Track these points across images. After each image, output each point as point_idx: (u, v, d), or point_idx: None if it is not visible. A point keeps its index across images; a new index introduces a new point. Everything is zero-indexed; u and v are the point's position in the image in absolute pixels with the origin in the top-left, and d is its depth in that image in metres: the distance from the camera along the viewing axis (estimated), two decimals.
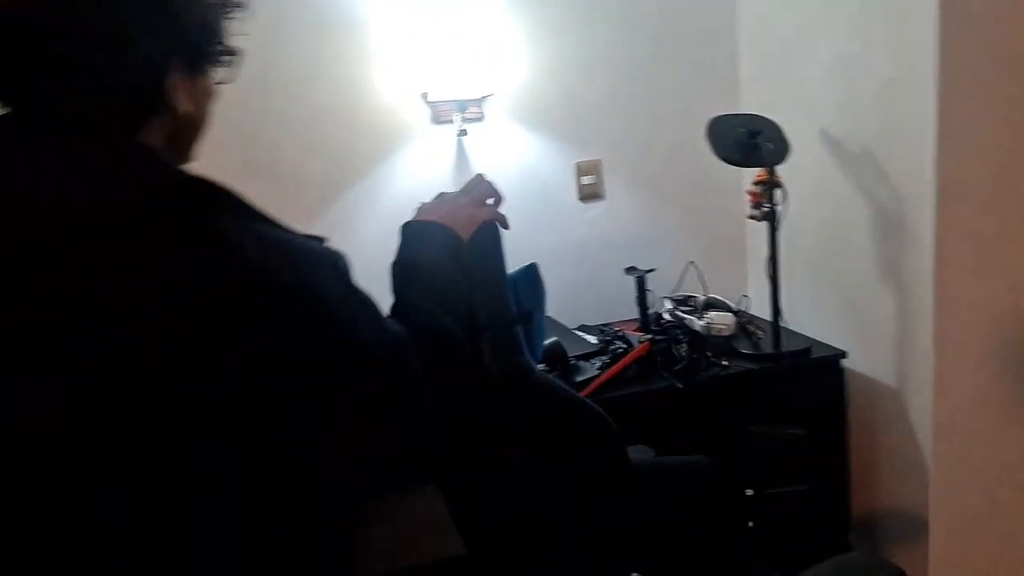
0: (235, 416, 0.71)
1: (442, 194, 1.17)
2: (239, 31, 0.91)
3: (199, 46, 0.85)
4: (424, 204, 1.15)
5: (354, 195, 2.23)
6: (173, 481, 0.70)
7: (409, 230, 1.06)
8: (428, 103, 2.22)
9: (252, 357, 0.72)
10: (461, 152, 2.27)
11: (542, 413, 1.25)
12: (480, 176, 1.17)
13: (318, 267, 0.80)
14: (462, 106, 2.17)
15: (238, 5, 0.88)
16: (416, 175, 2.25)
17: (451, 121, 2.21)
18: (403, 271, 1.01)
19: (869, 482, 2.12)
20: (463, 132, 2.20)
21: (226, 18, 0.87)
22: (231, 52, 0.89)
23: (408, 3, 2.13)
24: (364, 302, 0.85)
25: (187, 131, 0.88)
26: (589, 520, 1.28)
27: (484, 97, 2.23)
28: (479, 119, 2.25)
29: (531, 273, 1.31)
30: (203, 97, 0.88)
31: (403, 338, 0.86)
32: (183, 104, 0.83)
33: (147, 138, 0.81)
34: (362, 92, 2.18)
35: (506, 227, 1.15)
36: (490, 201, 1.16)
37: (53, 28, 0.74)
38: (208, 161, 0.89)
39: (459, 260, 1.04)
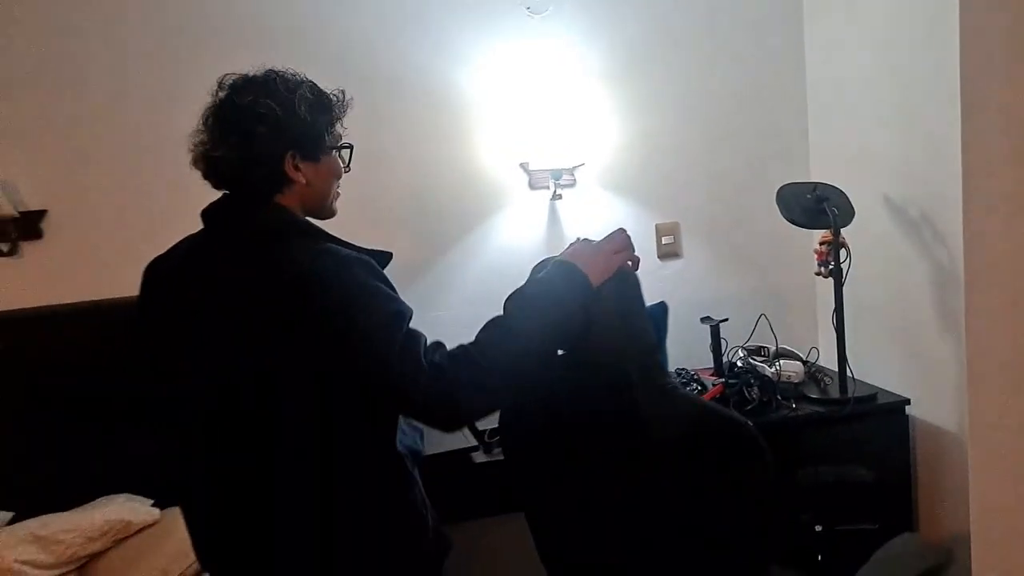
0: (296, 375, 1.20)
1: (585, 239, 1.44)
2: (349, 121, 1.40)
3: (309, 141, 1.30)
4: (571, 245, 1.43)
5: (462, 248, 2.54)
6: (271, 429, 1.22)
7: (553, 268, 1.34)
8: (527, 171, 2.53)
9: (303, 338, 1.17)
10: (554, 214, 2.57)
11: (689, 424, 1.42)
12: (622, 230, 1.44)
13: (348, 264, 1.20)
14: (557, 174, 2.48)
15: (340, 111, 1.37)
16: (515, 233, 2.56)
17: (547, 187, 2.51)
18: (523, 298, 1.31)
19: (934, 523, 2.24)
20: (557, 196, 2.51)
21: (330, 124, 1.35)
22: (341, 146, 1.38)
23: (509, 84, 2.48)
24: (375, 291, 1.20)
25: (312, 198, 1.34)
26: (740, 530, 1.43)
27: (576, 166, 2.53)
28: (571, 185, 2.55)
29: (660, 309, 1.59)
30: (320, 174, 1.33)
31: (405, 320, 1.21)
32: (299, 179, 1.29)
33: (283, 200, 1.30)
34: (469, 160, 2.52)
35: (636, 269, 1.44)
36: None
37: (221, 155, 1.28)
38: (337, 220, 1.39)
39: (586, 298, 1.31)
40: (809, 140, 2.70)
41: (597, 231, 2.55)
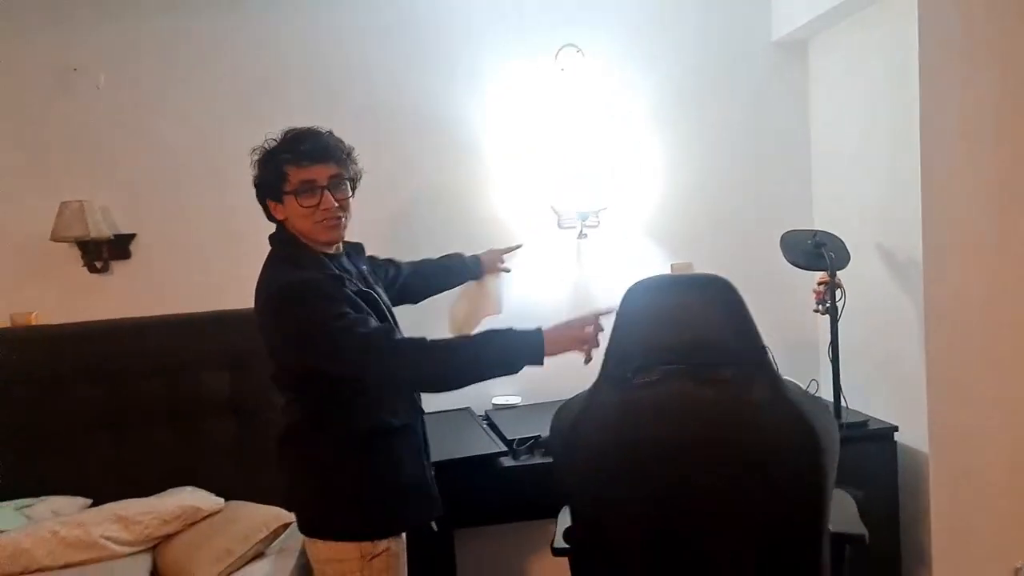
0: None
1: (576, 319, 1.67)
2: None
3: (267, 188, 1.70)
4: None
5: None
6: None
7: (528, 334, 1.61)
8: (556, 212, 2.84)
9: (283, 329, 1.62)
10: (580, 251, 2.86)
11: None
12: (596, 316, 1.65)
13: (314, 284, 1.60)
14: (583, 216, 2.78)
15: (287, 154, 1.67)
16: (544, 265, 2.87)
17: (574, 227, 2.81)
18: (492, 340, 1.61)
19: (918, 539, 2.45)
20: (583, 235, 2.80)
21: (279, 169, 1.69)
22: (294, 191, 1.67)
23: (544, 132, 2.80)
24: (331, 296, 1.59)
25: (298, 228, 1.70)
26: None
27: (600, 209, 2.83)
28: (596, 226, 2.85)
29: None
30: (290, 211, 1.69)
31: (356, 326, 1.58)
32: (279, 216, 1.72)
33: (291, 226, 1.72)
34: (503, 204, 2.83)
35: (587, 360, 1.67)
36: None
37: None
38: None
39: (533, 363, 1.60)
40: (812, 192, 2.99)
41: (617, 268, 2.88)
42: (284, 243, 1.73)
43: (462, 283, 2.34)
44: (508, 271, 2.40)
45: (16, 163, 2.63)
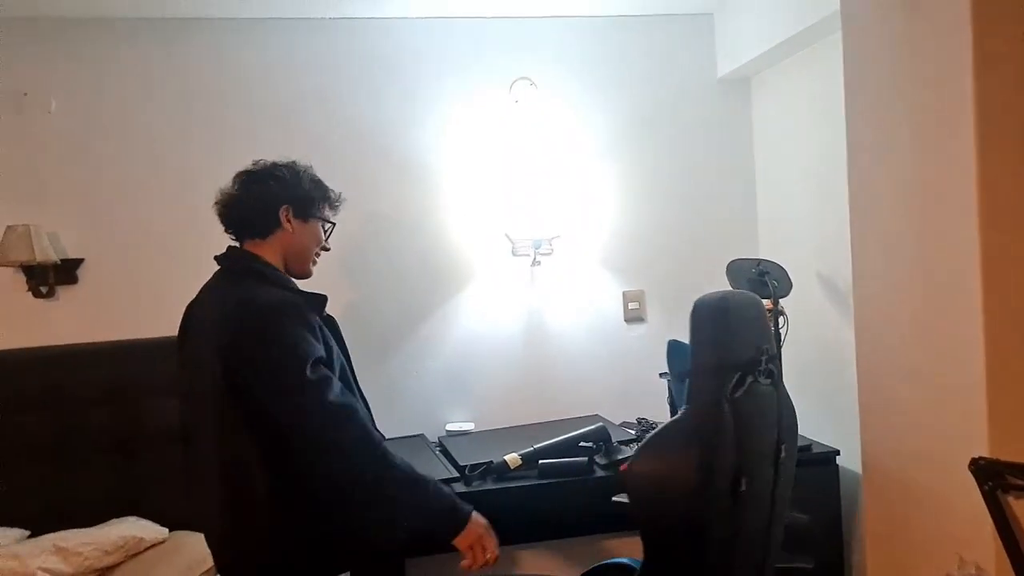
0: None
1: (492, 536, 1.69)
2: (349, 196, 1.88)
3: (303, 203, 1.74)
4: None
5: (454, 303, 2.89)
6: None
7: (466, 512, 1.65)
8: (510, 239, 2.88)
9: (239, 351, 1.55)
10: (534, 278, 2.91)
11: None
12: (495, 544, 1.68)
13: (280, 308, 1.59)
14: (537, 243, 2.83)
15: (334, 200, 1.83)
16: (498, 291, 2.91)
17: (528, 254, 2.86)
18: (430, 493, 1.61)
19: (861, 559, 2.51)
20: (537, 263, 2.85)
21: (323, 200, 1.80)
22: (325, 219, 1.81)
23: (497, 161, 2.85)
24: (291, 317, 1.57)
25: (293, 249, 1.74)
26: None
27: (554, 237, 2.88)
28: (549, 253, 2.90)
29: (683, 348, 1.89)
30: (306, 232, 1.75)
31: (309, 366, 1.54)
32: (288, 228, 1.71)
33: (263, 247, 1.70)
34: (459, 231, 2.87)
35: (467, 566, 1.66)
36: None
37: (239, 194, 1.74)
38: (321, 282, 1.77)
39: (444, 535, 1.63)
40: (757, 220, 3.08)
41: (571, 295, 2.92)
42: (251, 259, 1.69)
43: None
44: None
45: None
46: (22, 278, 2.59)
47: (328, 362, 1.60)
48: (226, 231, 1.77)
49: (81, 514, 2.38)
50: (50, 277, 2.59)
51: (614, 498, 2.03)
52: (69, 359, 2.54)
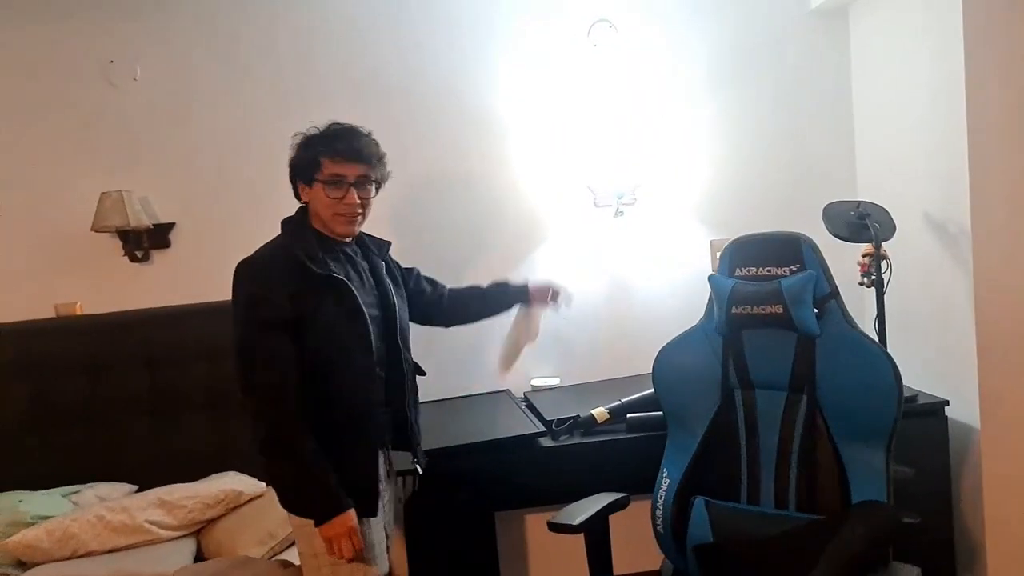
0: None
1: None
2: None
3: (300, 171, 1.80)
4: None
5: (534, 257, 2.85)
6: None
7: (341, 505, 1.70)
8: (591, 191, 2.80)
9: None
10: (617, 229, 2.82)
11: None
12: (349, 551, 1.70)
13: (250, 264, 1.76)
14: (619, 194, 2.73)
15: (322, 146, 1.76)
16: (580, 244, 2.84)
17: (610, 205, 2.77)
18: (320, 473, 1.69)
19: (970, 516, 2.37)
20: (620, 213, 2.76)
21: (315, 158, 1.77)
22: (325, 180, 1.76)
23: (578, 111, 2.76)
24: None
25: (316, 214, 1.80)
26: None
27: (637, 186, 2.78)
28: (632, 203, 2.80)
29: None
30: (315, 196, 1.78)
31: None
32: (304, 198, 1.82)
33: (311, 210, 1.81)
34: (538, 183, 2.81)
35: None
36: None
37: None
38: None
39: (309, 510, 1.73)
40: (856, 162, 2.89)
41: (656, 245, 2.83)
42: (290, 223, 1.83)
43: (503, 310, 2.19)
44: (556, 310, 2.25)
45: (57, 155, 2.67)
46: (118, 243, 2.67)
47: (304, 318, 1.68)
48: None
49: (184, 469, 2.47)
50: (144, 241, 2.67)
51: None
52: (165, 320, 2.62)
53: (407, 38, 2.75)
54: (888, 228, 2.42)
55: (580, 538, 1.89)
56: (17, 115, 2.66)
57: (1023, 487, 1.88)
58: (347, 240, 1.85)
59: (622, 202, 2.75)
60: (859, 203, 2.48)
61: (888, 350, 2.38)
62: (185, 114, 2.70)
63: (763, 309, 1.99)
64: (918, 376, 2.54)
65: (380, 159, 1.84)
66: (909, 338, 2.59)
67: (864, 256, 2.44)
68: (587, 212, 2.82)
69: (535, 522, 2.85)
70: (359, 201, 1.78)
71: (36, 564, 2.16)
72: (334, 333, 1.71)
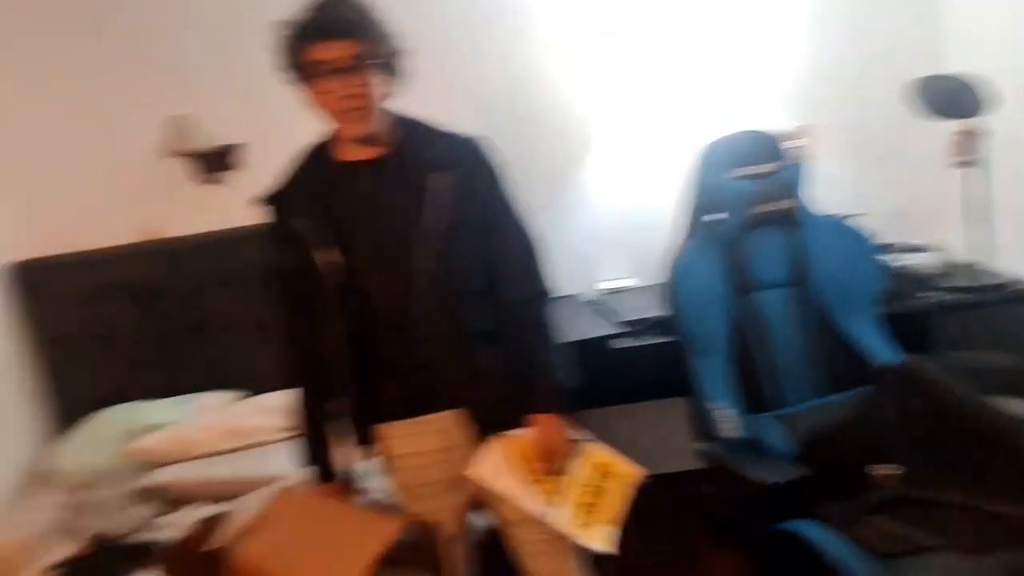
0: None
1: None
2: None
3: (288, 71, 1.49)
4: None
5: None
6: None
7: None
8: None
9: None
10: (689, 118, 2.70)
11: None
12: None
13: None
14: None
15: (298, 40, 1.43)
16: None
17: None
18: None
19: None
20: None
21: (294, 54, 1.45)
22: (309, 76, 1.45)
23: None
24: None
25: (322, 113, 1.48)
26: None
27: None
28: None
29: None
30: (309, 94, 1.48)
31: None
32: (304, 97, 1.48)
33: None
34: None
35: None
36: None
37: None
38: None
39: None
40: (941, 34, 2.68)
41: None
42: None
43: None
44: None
45: (119, 81, 2.67)
46: (188, 166, 2.70)
47: (299, 261, 1.62)
48: None
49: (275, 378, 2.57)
50: (215, 163, 2.69)
51: None
52: (248, 240, 2.65)
53: None
54: (988, 102, 2.26)
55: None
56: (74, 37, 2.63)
57: None
58: (372, 153, 1.52)
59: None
60: (953, 76, 2.31)
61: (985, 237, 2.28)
62: (249, 35, 2.62)
63: (776, 206, 2.07)
64: (1017, 263, 2.41)
65: (371, 28, 1.42)
66: (1006, 222, 2.45)
67: (959, 133, 2.30)
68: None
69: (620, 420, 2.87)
70: (355, 92, 1.41)
71: (156, 467, 2.30)
72: None
